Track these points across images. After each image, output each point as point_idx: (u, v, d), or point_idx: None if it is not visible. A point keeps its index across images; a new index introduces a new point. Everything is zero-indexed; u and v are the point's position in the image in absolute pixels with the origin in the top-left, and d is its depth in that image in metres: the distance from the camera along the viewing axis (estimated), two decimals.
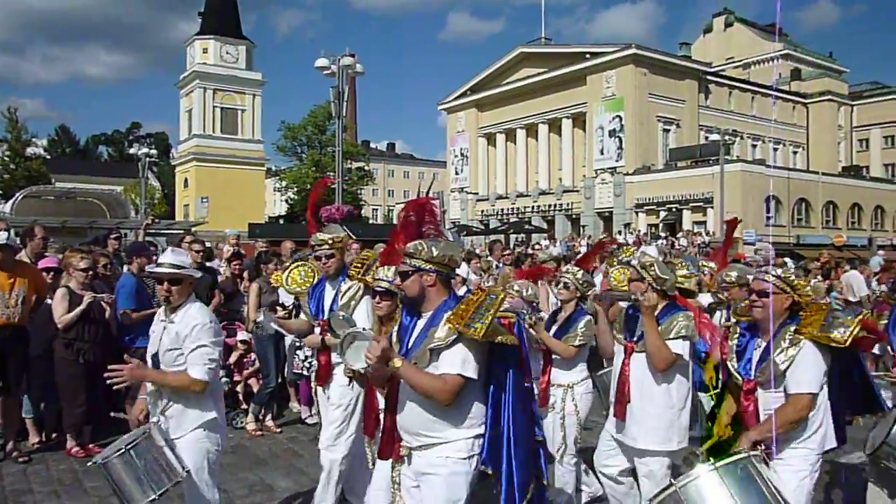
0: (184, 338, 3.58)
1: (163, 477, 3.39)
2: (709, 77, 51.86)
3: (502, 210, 54.12)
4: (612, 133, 46.79)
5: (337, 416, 4.59)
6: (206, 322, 3.62)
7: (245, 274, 8.35)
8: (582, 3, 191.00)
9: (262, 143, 62.04)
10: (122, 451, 3.37)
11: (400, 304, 3.21)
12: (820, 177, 47.34)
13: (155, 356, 3.71)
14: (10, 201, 31.68)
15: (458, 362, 2.85)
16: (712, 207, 39.81)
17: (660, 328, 3.93)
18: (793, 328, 3.44)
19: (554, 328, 4.91)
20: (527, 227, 45.30)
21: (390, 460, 3.12)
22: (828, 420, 3.50)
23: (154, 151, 45.71)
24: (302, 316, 5.02)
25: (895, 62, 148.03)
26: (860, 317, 3.37)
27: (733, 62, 66.18)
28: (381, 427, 3.25)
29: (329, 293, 4.69)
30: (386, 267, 4.28)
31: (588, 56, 48.20)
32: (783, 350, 3.40)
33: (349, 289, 4.66)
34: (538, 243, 31.34)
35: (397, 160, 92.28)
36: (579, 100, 48.85)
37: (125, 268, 7.22)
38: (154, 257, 6.60)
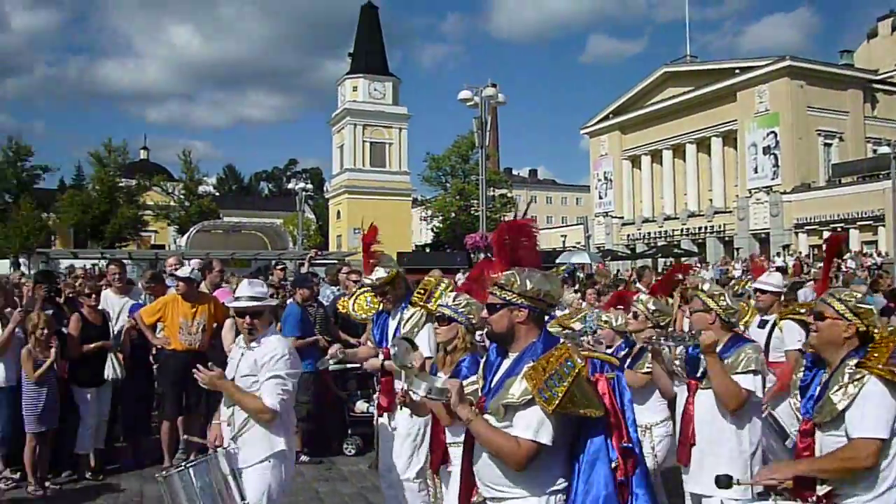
0: (261, 366, 3.62)
1: (219, 502, 3.43)
2: (875, 85, 48.14)
3: (649, 234, 52.66)
4: (766, 150, 44.43)
5: (406, 449, 4.46)
6: (285, 353, 3.65)
7: None
8: (729, 16, 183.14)
9: (409, 174, 64.23)
10: (182, 468, 3.46)
11: (485, 338, 2.93)
12: None
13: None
14: (186, 235, 34.81)
15: (534, 426, 2.55)
16: (884, 226, 36.75)
17: (727, 363, 3.60)
18: (854, 361, 2.91)
19: (627, 362, 4.58)
20: (676, 250, 43.76)
21: None
22: None
23: (309, 186, 48.78)
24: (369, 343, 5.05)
25: None
26: None
27: None
28: (460, 469, 2.98)
29: (392, 322, 4.71)
30: (451, 292, 4.14)
31: (738, 71, 46.22)
32: (842, 386, 2.87)
33: (412, 316, 4.63)
34: (691, 266, 30.20)
35: (540, 186, 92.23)
36: (729, 117, 46.86)
37: (289, 298, 7.80)
38: (317, 288, 7.12)
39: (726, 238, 47.21)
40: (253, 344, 3.72)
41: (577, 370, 2.55)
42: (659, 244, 48.36)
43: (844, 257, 34.40)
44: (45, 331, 5.91)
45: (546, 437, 2.55)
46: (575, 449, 2.68)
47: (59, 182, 62.22)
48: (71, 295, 7.37)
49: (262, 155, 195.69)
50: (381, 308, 4.92)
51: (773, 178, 44.11)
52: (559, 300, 3.69)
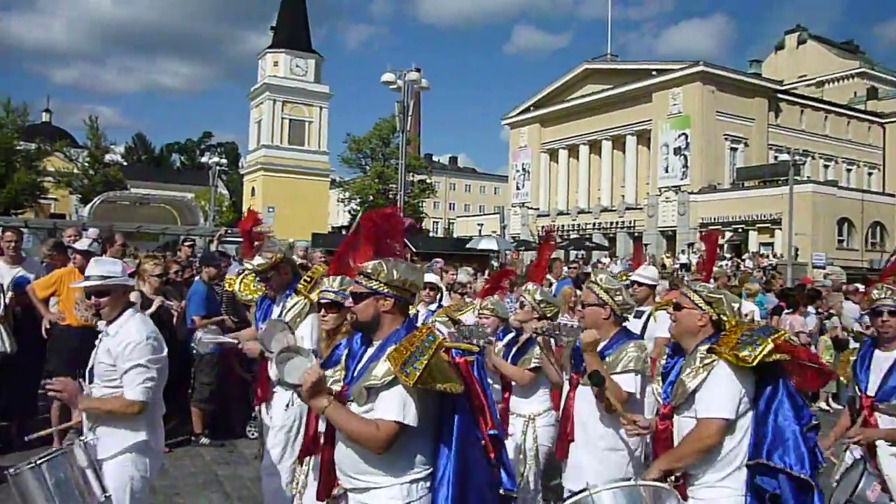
0: (116, 356, 3.37)
1: (77, 499, 3.10)
2: (779, 95, 50.61)
3: (563, 226, 53.80)
4: (677, 151, 46.10)
5: (279, 440, 4.31)
6: (143, 339, 3.38)
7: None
8: (649, 19, 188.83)
9: (328, 154, 63.37)
10: (33, 464, 3.06)
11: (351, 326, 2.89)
12: None
13: (91, 370, 3.53)
14: (89, 206, 33.23)
15: (396, 406, 2.52)
16: (780, 229, 38.78)
17: (607, 361, 3.58)
18: (706, 347, 3.04)
19: (513, 351, 4.55)
20: (587, 244, 44.92)
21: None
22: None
23: (224, 160, 47.34)
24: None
25: None
26: (774, 336, 2.92)
27: (805, 80, 64.44)
28: (320, 460, 2.93)
29: (276, 308, 4.56)
30: (332, 277, 3.97)
31: (654, 73, 47.67)
32: (693, 369, 3.00)
33: (295, 304, 4.46)
34: (599, 261, 31.05)
35: (459, 174, 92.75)
36: (645, 117, 48.33)
37: (196, 276, 7.55)
38: (224, 267, 6.90)
39: (636, 234, 48.74)
40: (109, 328, 3.44)
41: (436, 343, 2.56)
42: (571, 237, 49.46)
43: (743, 257, 36.15)
44: None
45: (410, 418, 2.53)
46: (441, 430, 2.64)
47: None
48: None
49: (174, 126, 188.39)
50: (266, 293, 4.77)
51: (682, 178, 45.80)
52: (420, 290, 3.66)
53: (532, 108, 57.62)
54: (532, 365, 4.36)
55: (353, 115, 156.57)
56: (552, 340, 4.00)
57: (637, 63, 51.54)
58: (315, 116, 63.16)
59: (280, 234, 35.86)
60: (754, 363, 2.84)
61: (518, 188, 59.17)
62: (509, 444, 4.22)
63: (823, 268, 30.58)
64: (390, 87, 22.15)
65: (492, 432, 2.75)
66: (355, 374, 2.73)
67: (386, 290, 2.70)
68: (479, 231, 51.31)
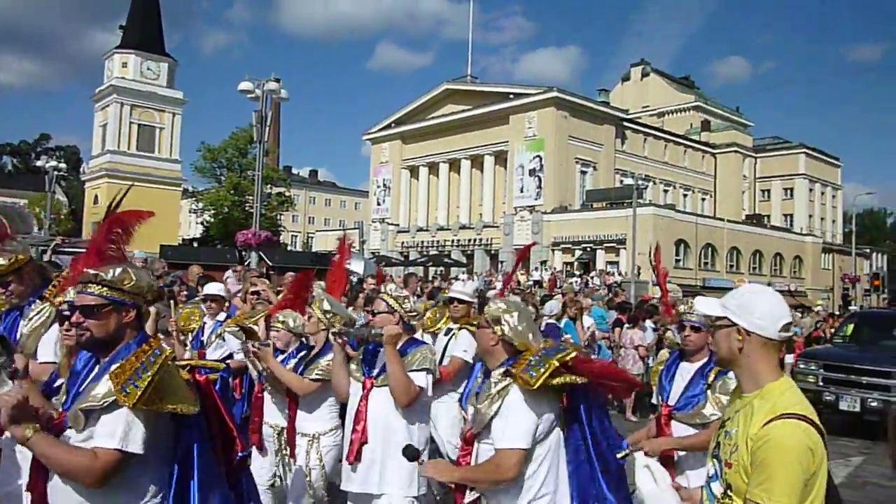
0: None
1: None
2: (625, 123, 53.93)
3: (422, 242, 54.35)
4: (532, 172, 47.87)
5: None
6: None
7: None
8: (508, 44, 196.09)
9: (180, 162, 60.50)
10: None
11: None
12: (725, 223, 49.77)
13: None
14: None
15: (119, 433, 2.20)
16: (625, 248, 41.06)
17: (405, 360, 3.59)
18: (500, 371, 2.94)
19: (292, 363, 4.46)
20: (446, 260, 45.61)
21: None
22: (562, 489, 2.92)
23: (63, 165, 43.84)
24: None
25: (795, 119, 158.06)
26: (561, 355, 2.80)
27: (648, 110, 69.32)
28: (31, 498, 2.41)
29: (23, 321, 3.78)
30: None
31: (512, 96, 49.37)
32: (489, 396, 2.88)
33: (39, 312, 3.73)
34: (456, 277, 31.59)
35: (319, 188, 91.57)
36: (502, 138, 49.87)
37: None
38: (57, 278, 6.32)
39: (493, 251, 50.06)
40: None
41: (163, 357, 2.28)
42: (430, 253, 50.06)
43: (591, 274, 38.01)
44: None
45: (135, 445, 2.22)
46: (176, 457, 2.36)
47: None
48: None
49: (7, 125, 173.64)
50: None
51: (536, 199, 47.59)
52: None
53: (393, 125, 57.97)
54: (314, 375, 4.21)
55: (208, 123, 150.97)
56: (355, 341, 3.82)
57: (496, 86, 53.16)
58: (167, 122, 60.13)
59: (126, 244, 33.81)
60: (535, 386, 2.73)
61: (379, 203, 59.21)
62: (295, 466, 4.21)
63: None
64: (248, 95, 21.53)
65: (243, 454, 2.58)
66: (74, 396, 2.35)
67: (130, 301, 2.40)
68: None
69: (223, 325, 5.72)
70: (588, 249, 44.92)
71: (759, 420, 2.03)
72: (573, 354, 2.85)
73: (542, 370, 2.74)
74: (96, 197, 58.73)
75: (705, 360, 3.87)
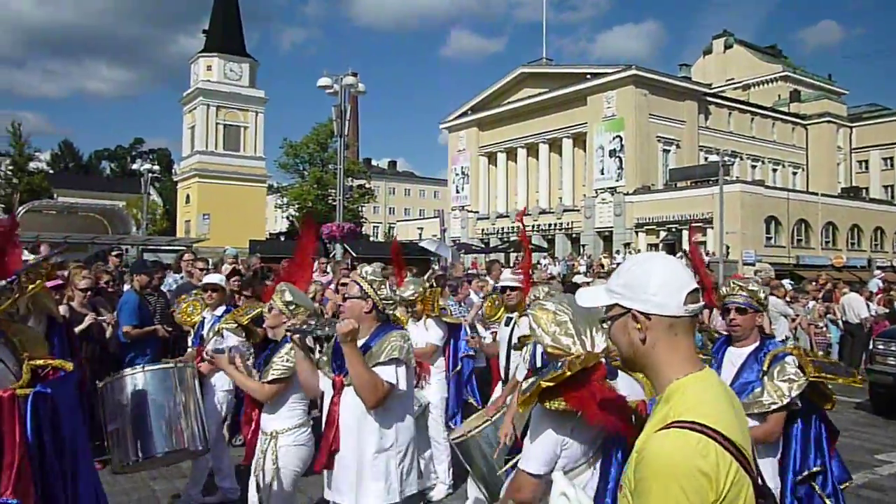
0: None
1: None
2: (708, 98, 52.21)
3: (503, 229, 54.26)
4: (612, 153, 47.03)
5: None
6: None
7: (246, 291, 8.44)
8: (584, 23, 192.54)
9: (264, 159, 62.39)
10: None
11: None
12: (819, 198, 47.52)
13: None
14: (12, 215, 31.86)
15: None
16: (712, 227, 39.93)
17: (371, 352, 3.32)
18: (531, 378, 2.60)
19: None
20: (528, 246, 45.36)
21: None
22: None
23: (157, 167, 46.00)
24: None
25: (894, 84, 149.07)
26: (552, 375, 2.35)
27: (733, 83, 66.77)
28: None
29: None
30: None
31: (589, 76, 48.55)
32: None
33: None
34: (538, 262, 31.41)
35: (398, 178, 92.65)
36: (580, 120, 49.15)
37: (126, 285, 7.31)
38: (157, 276, 6.72)
39: (574, 235, 49.51)
40: None
41: None
42: (511, 239, 49.92)
43: (678, 255, 37.10)
44: None
45: None
46: None
47: None
48: None
49: (104, 132, 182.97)
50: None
51: (617, 180, 46.74)
52: None
53: (469, 112, 57.97)
54: (270, 376, 3.82)
55: (289, 119, 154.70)
56: (309, 339, 3.56)
57: (572, 67, 52.42)
58: (251, 121, 62.10)
59: (217, 241, 35.21)
60: (520, 406, 2.46)
61: (457, 191, 59.42)
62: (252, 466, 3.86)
63: (753, 264, 31.61)
64: (327, 91, 21.95)
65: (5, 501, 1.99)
66: None
67: None
68: (420, 234, 51.33)
69: (222, 321, 5.42)
70: (673, 230, 43.83)
71: (649, 430, 1.53)
72: (567, 375, 2.32)
73: (529, 391, 2.37)
74: (188, 196, 61.29)
75: (756, 343, 3.67)
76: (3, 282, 2.64)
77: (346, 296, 3.52)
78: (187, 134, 62.96)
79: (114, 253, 9.23)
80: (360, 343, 3.32)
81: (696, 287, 1.63)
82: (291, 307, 3.88)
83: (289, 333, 3.52)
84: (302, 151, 52.11)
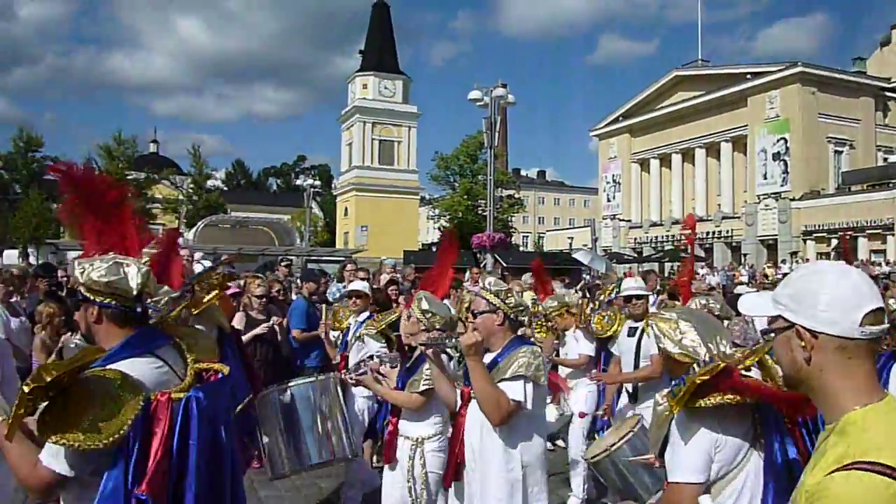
0: None
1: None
2: (887, 94, 47.93)
3: (656, 238, 52.56)
4: (776, 156, 44.31)
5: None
6: None
7: (401, 299, 8.77)
8: (743, 20, 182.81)
9: (417, 172, 64.29)
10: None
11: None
12: None
13: None
14: (193, 229, 34.93)
15: (51, 451, 2.04)
16: (893, 234, 36.63)
17: (498, 367, 3.23)
18: (666, 391, 2.50)
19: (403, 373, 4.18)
20: (682, 254, 43.66)
21: None
22: None
23: (318, 182, 48.69)
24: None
25: None
26: (704, 369, 2.35)
27: None
28: None
29: None
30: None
31: (749, 76, 46.08)
32: (656, 421, 2.57)
33: None
34: (696, 272, 30.14)
35: (548, 187, 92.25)
36: (740, 122, 46.74)
37: (294, 292, 7.83)
38: (323, 283, 7.16)
39: (734, 244, 47.11)
40: None
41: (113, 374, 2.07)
42: (666, 248, 48.27)
43: (854, 264, 34.29)
44: (62, 318, 5.77)
45: (62, 466, 2.03)
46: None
47: None
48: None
49: (270, 150, 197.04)
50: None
51: (782, 185, 43.99)
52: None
53: (621, 119, 56.76)
54: (422, 388, 3.86)
55: (440, 132, 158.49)
56: (444, 354, 3.58)
57: (730, 67, 49.98)
58: (404, 136, 64.30)
59: (373, 251, 36.76)
60: (675, 411, 2.40)
61: (609, 200, 58.29)
62: (397, 471, 3.90)
63: None
64: (477, 104, 22.34)
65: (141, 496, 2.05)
66: None
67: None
68: (570, 244, 50.79)
69: (364, 326, 5.60)
70: (847, 237, 40.58)
71: (823, 467, 1.37)
72: (721, 367, 2.35)
73: (683, 390, 2.32)
74: (346, 209, 64.39)
75: None
76: (177, 292, 2.91)
77: (475, 311, 3.45)
78: (345, 150, 66.17)
79: (283, 263, 9.90)
80: (489, 358, 3.31)
81: (880, 307, 1.46)
82: (428, 315, 3.90)
83: (422, 348, 3.55)
84: (452, 164, 53.20)
